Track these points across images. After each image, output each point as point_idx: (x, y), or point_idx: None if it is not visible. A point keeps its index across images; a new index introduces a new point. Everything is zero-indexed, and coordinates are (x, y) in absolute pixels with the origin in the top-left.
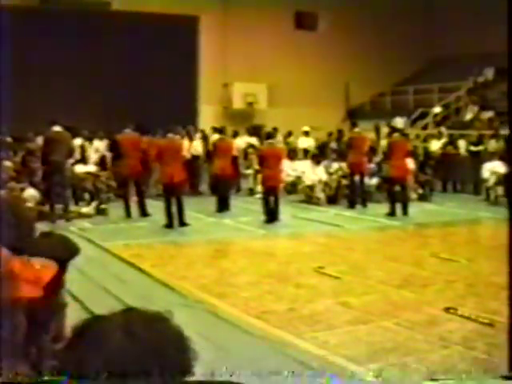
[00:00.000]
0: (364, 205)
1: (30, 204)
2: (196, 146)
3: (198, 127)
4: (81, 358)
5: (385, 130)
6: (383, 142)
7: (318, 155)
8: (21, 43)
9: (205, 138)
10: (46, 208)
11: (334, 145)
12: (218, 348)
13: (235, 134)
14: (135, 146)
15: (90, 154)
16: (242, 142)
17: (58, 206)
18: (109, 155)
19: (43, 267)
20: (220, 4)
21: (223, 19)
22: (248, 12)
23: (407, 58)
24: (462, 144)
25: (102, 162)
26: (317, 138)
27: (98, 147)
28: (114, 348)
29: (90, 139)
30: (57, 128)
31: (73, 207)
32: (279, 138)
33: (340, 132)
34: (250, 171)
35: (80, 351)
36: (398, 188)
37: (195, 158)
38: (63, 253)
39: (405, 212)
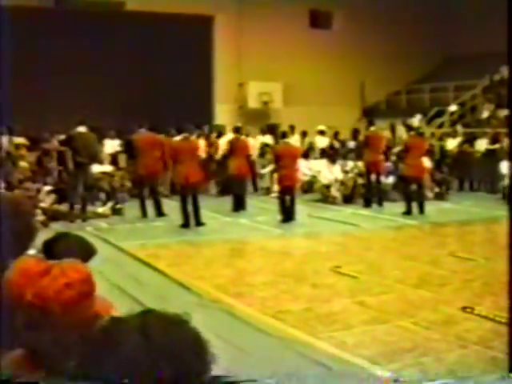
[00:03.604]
0: (380, 204)
1: (44, 204)
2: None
3: (214, 126)
4: (97, 359)
5: (401, 128)
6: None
7: (333, 154)
8: (35, 43)
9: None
10: (63, 208)
11: (351, 143)
12: (235, 348)
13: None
14: (151, 146)
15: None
16: (257, 141)
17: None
18: (121, 155)
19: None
20: (235, 3)
21: (238, 18)
22: (263, 11)
23: (423, 56)
24: (480, 142)
25: (114, 162)
26: (331, 136)
27: (112, 146)
28: (130, 350)
29: (101, 138)
30: (82, 128)
31: (89, 207)
32: (296, 136)
33: (356, 131)
34: (265, 170)
35: (96, 352)
36: (414, 187)
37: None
38: (80, 253)
39: (421, 211)
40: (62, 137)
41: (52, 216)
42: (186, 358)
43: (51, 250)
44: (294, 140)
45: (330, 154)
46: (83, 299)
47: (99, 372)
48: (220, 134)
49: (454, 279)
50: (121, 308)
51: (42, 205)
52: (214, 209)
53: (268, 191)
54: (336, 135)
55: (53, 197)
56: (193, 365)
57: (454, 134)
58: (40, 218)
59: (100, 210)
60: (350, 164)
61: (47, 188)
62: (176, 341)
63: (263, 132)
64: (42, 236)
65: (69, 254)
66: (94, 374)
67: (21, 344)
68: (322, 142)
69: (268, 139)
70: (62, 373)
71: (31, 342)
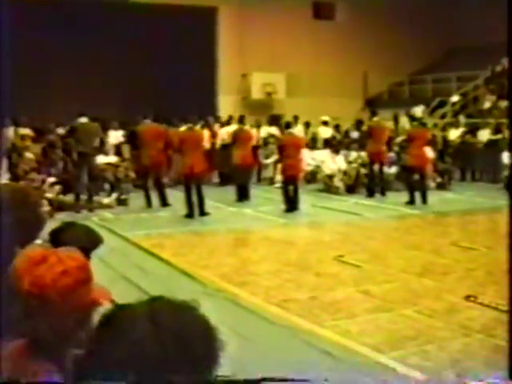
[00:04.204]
0: (383, 193)
1: (50, 195)
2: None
3: (218, 117)
4: (105, 346)
5: (404, 119)
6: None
7: (336, 144)
8: (39, 35)
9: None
10: (68, 198)
11: (354, 134)
12: (239, 336)
13: (258, 125)
14: (155, 137)
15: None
16: (262, 132)
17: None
18: (125, 145)
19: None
20: None
21: (241, 9)
22: (266, 2)
23: (425, 47)
24: (483, 133)
25: (118, 153)
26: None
27: (115, 137)
28: (139, 337)
29: (105, 129)
30: (83, 119)
31: (94, 198)
32: (299, 126)
33: (359, 121)
34: (269, 161)
35: (104, 340)
36: (416, 177)
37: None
38: (87, 243)
39: (424, 200)
40: (62, 129)
41: (58, 207)
42: (195, 345)
43: (58, 239)
44: (298, 130)
45: (333, 145)
46: (80, 286)
47: (108, 359)
48: (223, 125)
49: (456, 268)
50: (126, 297)
51: (48, 195)
52: (217, 199)
53: (271, 181)
54: (337, 127)
55: (57, 188)
56: (202, 351)
57: (456, 125)
58: (45, 208)
59: (105, 200)
60: (353, 154)
61: (51, 179)
62: (185, 327)
63: (268, 123)
64: (48, 226)
65: (75, 244)
66: (103, 361)
67: (21, 333)
68: (325, 133)
69: (272, 130)
70: (62, 361)
71: (30, 330)
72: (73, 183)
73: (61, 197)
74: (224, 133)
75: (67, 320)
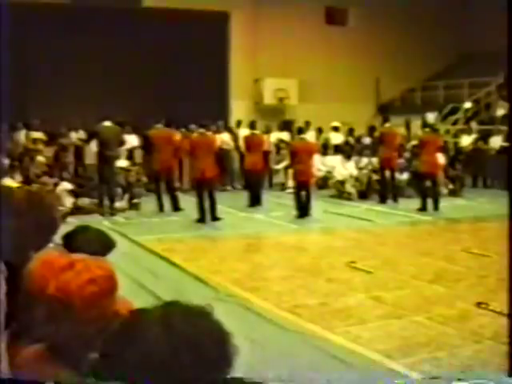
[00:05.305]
0: (395, 200)
1: (63, 199)
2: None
3: (229, 122)
4: (119, 350)
5: (417, 124)
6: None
7: (348, 150)
8: (51, 40)
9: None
10: (83, 202)
11: (366, 140)
12: (251, 342)
13: (268, 131)
14: (167, 141)
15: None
16: (273, 137)
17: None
18: (138, 150)
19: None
20: (251, 0)
21: (254, 15)
22: (279, 8)
23: (437, 53)
24: (495, 140)
25: (130, 157)
26: (346, 133)
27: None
28: (152, 341)
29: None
30: (107, 123)
31: (106, 201)
32: (312, 132)
33: (372, 128)
34: (280, 166)
35: (119, 344)
36: (428, 183)
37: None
38: (99, 247)
39: (436, 207)
40: (82, 132)
41: (73, 211)
42: (208, 349)
43: (71, 242)
44: (310, 136)
45: (345, 150)
46: (105, 296)
47: (122, 363)
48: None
49: (468, 275)
50: (138, 301)
51: (67, 199)
52: (229, 204)
53: (283, 187)
54: (351, 132)
55: (71, 197)
56: (215, 355)
57: (468, 131)
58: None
59: (117, 204)
60: (365, 160)
61: (67, 186)
62: (199, 332)
63: (279, 128)
64: (61, 230)
65: (88, 247)
66: (117, 365)
67: (41, 337)
68: (335, 138)
69: (284, 135)
70: (80, 367)
71: (51, 334)
72: (95, 187)
73: (79, 202)
74: (221, 138)
75: (89, 328)
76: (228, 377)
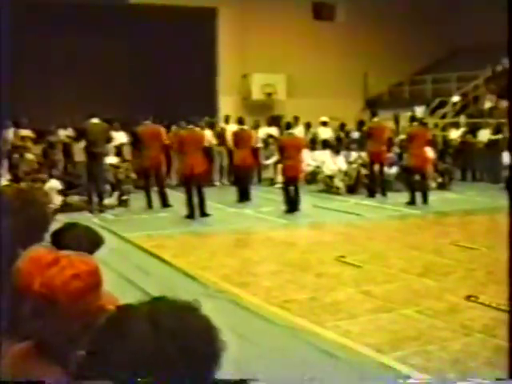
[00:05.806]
0: (384, 194)
1: (52, 196)
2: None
3: (217, 118)
4: (105, 347)
5: (405, 118)
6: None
7: (337, 145)
8: (39, 38)
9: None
10: (72, 199)
11: (355, 134)
12: (241, 337)
13: (256, 126)
14: (156, 138)
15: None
16: (262, 132)
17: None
18: (127, 146)
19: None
20: None
21: (242, 11)
22: (266, 3)
23: (425, 47)
24: (483, 133)
25: (118, 154)
26: (335, 128)
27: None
28: (139, 338)
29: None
30: (94, 120)
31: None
32: (300, 127)
33: (361, 122)
34: (270, 161)
35: (105, 340)
36: (417, 177)
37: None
38: (88, 244)
39: (425, 201)
40: (70, 130)
41: (62, 208)
42: (196, 345)
43: (59, 240)
44: (298, 131)
45: (333, 145)
46: (90, 291)
47: (109, 359)
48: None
49: (457, 268)
50: (127, 298)
51: (55, 197)
52: (218, 199)
53: (272, 182)
54: (342, 127)
55: (60, 196)
56: (203, 351)
57: (456, 125)
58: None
59: (106, 201)
60: (354, 155)
61: (56, 184)
62: (186, 328)
63: (268, 123)
64: (50, 227)
65: (77, 244)
66: (104, 361)
67: (28, 334)
68: (324, 133)
69: (273, 131)
70: (68, 364)
71: (37, 331)
72: (84, 184)
73: (69, 199)
74: (209, 134)
75: (74, 323)
76: (217, 378)
